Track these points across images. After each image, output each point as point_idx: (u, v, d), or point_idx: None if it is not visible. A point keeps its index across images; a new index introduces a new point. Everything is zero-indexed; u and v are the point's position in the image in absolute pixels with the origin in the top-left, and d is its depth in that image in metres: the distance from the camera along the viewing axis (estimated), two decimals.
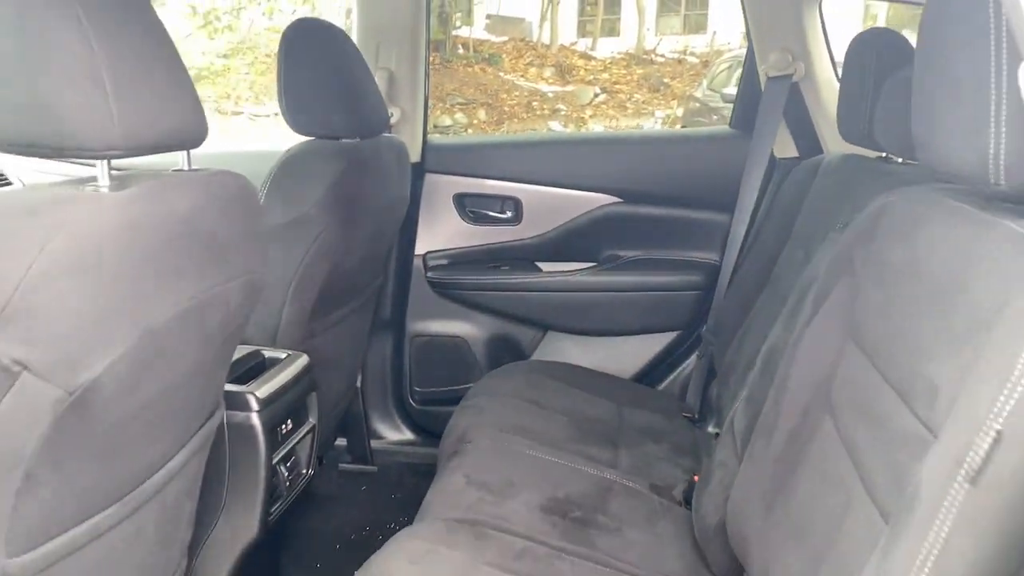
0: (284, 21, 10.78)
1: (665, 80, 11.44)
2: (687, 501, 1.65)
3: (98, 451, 0.98)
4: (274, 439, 1.54)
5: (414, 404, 2.57)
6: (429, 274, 2.52)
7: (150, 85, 0.99)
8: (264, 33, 12.02)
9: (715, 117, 8.61)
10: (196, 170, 1.13)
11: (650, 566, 1.44)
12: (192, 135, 1.07)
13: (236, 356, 1.48)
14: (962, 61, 0.87)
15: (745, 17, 2.39)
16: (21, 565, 0.93)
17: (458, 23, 11.76)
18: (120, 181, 0.98)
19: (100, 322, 0.91)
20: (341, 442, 2.46)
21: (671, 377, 2.54)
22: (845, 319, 1.22)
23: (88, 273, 0.88)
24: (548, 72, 11.59)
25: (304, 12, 11.03)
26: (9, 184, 2.29)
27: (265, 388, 1.52)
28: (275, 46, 1.85)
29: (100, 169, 0.96)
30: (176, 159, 1.13)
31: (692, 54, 12.25)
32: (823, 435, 1.19)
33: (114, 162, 0.99)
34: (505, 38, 12.23)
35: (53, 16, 0.90)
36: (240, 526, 1.51)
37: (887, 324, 1.07)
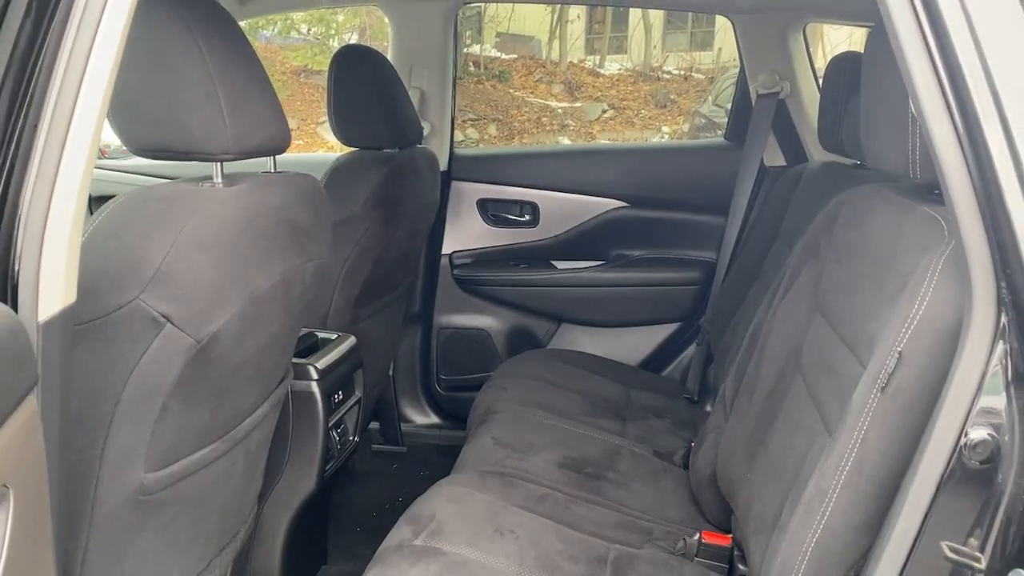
0: (298, 40, 11.07)
1: (672, 96, 11.61)
2: (685, 464, 1.89)
3: (213, 392, 1.23)
4: (329, 406, 1.78)
5: (440, 391, 2.81)
6: (455, 272, 2.77)
7: (251, 103, 1.25)
8: (280, 52, 12.29)
9: (719, 132, 8.84)
10: (280, 172, 1.39)
11: (653, 512, 1.68)
12: (280, 142, 1.33)
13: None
14: (891, 87, 1.13)
15: (737, 41, 2.65)
16: (155, 479, 1.18)
17: (469, 41, 11.98)
18: (229, 179, 1.23)
19: (221, 287, 1.16)
20: (374, 425, 2.70)
21: (673, 364, 2.78)
22: (812, 295, 1.46)
23: (214, 249, 1.14)
24: (557, 89, 11.76)
25: (319, 32, 11.33)
26: None
27: (323, 361, 1.77)
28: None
29: (215, 169, 1.22)
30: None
31: (698, 71, 12.41)
32: (794, 392, 1.42)
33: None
34: (514, 56, 12.43)
35: (180, 51, 1.15)
36: (300, 479, 1.76)
37: (843, 295, 1.32)
